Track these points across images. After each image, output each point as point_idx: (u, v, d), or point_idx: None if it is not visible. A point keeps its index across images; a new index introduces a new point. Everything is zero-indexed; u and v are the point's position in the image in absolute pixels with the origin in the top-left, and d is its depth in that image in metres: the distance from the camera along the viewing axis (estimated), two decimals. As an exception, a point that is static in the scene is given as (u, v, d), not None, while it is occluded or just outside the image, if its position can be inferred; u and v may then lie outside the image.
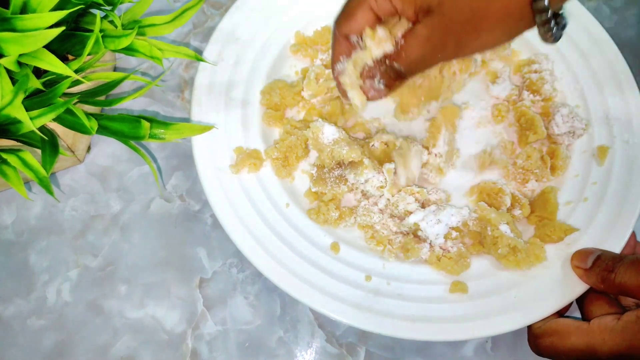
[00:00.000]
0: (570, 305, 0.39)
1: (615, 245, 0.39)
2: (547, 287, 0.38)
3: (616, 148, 0.43)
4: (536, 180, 0.43)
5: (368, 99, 0.38)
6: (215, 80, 0.45)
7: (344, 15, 0.36)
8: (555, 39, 0.32)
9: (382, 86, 0.36)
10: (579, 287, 0.37)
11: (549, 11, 0.30)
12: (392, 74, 0.35)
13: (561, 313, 0.38)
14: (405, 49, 0.34)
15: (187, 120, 0.45)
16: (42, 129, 0.35)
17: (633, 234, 0.40)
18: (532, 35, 0.34)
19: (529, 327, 0.37)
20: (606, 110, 0.45)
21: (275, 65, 0.47)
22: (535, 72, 0.46)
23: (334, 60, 0.38)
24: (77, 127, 0.35)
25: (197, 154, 0.41)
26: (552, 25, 0.31)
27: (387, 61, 0.35)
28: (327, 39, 0.48)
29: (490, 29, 0.32)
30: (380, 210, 0.41)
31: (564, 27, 0.32)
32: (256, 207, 0.40)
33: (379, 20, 0.35)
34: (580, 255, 0.38)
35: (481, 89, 0.48)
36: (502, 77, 0.47)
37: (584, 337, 0.33)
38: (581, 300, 0.38)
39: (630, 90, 0.45)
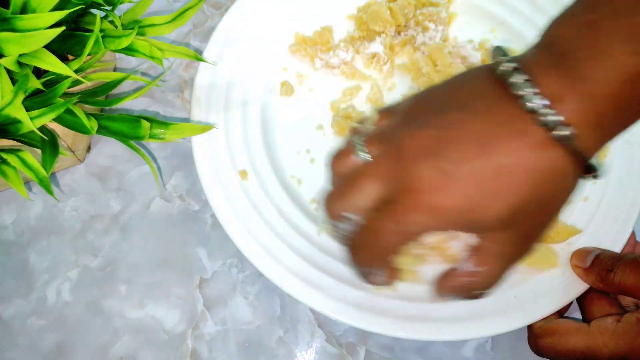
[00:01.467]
0: (570, 305, 0.39)
1: (616, 244, 0.39)
2: (547, 287, 0.38)
3: (615, 147, 0.43)
4: None
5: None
6: (215, 80, 0.45)
7: (384, 247, 0.28)
8: (602, 174, 0.27)
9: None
10: (579, 287, 0.37)
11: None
12: (472, 292, 0.29)
13: (561, 313, 0.38)
14: (486, 273, 0.28)
15: (187, 120, 0.45)
16: (42, 129, 0.35)
17: (633, 234, 0.40)
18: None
19: (529, 327, 0.37)
20: None
21: (275, 66, 0.47)
22: None
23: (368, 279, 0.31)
24: (77, 127, 0.35)
25: (197, 155, 0.41)
26: (598, 169, 0.27)
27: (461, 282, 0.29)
28: (326, 39, 0.48)
29: (553, 212, 0.28)
30: None
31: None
32: (256, 208, 0.40)
33: None
34: (580, 255, 0.38)
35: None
36: None
37: (584, 339, 0.33)
38: (582, 301, 0.38)
39: None
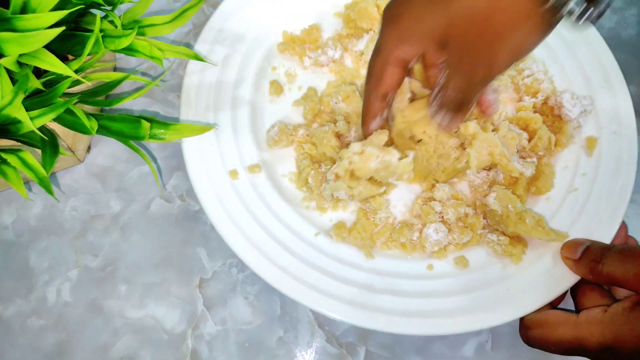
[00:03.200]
0: (563, 296, 0.39)
1: (606, 234, 0.39)
2: (539, 279, 0.38)
3: (604, 139, 0.43)
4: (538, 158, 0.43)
5: (445, 130, 0.39)
6: (204, 81, 0.45)
7: (375, 79, 0.37)
8: (588, 19, 0.30)
9: (448, 118, 0.38)
10: (570, 279, 0.38)
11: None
12: (453, 106, 0.37)
13: (554, 304, 0.38)
14: (449, 86, 0.35)
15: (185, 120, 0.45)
16: (42, 129, 0.35)
17: (624, 225, 0.40)
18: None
19: (521, 318, 0.38)
20: (594, 102, 0.45)
21: (264, 65, 0.47)
22: (528, 76, 0.46)
23: (369, 119, 0.39)
24: (77, 127, 0.35)
25: (188, 156, 0.41)
26: (573, 6, 0.30)
27: (440, 98, 0.37)
28: (314, 38, 0.48)
29: (501, 40, 0.32)
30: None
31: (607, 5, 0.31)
32: (247, 207, 0.40)
33: (408, 71, 0.37)
34: (570, 246, 0.38)
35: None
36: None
37: (572, 329, 0.34)
38: (575, 292, 0.38)
39: (618, 82, 0.45)
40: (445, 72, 0.35)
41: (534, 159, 0.43)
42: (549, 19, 0.31)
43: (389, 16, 0.36)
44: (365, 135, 0.40)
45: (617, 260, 0.34)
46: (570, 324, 0.34)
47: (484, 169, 0.42)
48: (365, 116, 0.39)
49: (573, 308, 0.38)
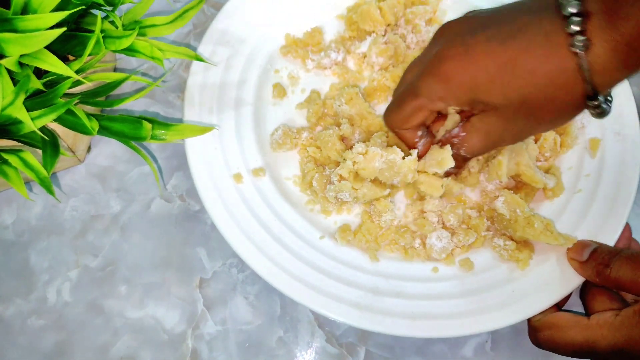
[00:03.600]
0: (568, 297, 0.39)
1: (611, 236, 0.39)
2: (544, 280, 0.38)
3: (607, 140, 0.43)
4: (545, 160, 0.43)
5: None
6: (207, 82, 0.44)
7: (404, 118, 0.36)
8: (607, 114, 0.32)
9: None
10: (575, 280, 0.38)
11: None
12: (459, 158, 0.37)
13: (560, 306, 0.39)
14: (468, 141, 0.35)
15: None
16: (43, 129, 0.35)
17: (628, 227, 0.40)
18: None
19: (529, 320, 0.38)
20: None
21: (267, 67, 0.47)
22: None
23: (413, 146, 0.38)
24: (78, 127, 0.35)
25: (191, 160, 0.41)
26: (603, 105, 0.31)
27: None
28: (317, 40, 0.48)
29: (547, 124, 0.34)
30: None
31: (611, 101, 0.33)
32: (252, 211, 0.40)
33: (435, 113, 0.36)
34: (577, 248, 0.38)
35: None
36: None
37: (582, 332, 0.34)
38: (584, 295, 0.38)
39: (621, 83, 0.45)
40: (465, 126, 0.35)
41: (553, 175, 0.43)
42: (584, 110, 0.32)
43: (445, 63, 0.33)
44: (420, 157, 0.39)
45: (625, 265, 0.34)
46: (581, 326, 0.34)
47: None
48: (408, 146, 0.39)
49: (576, 309, 0.38)
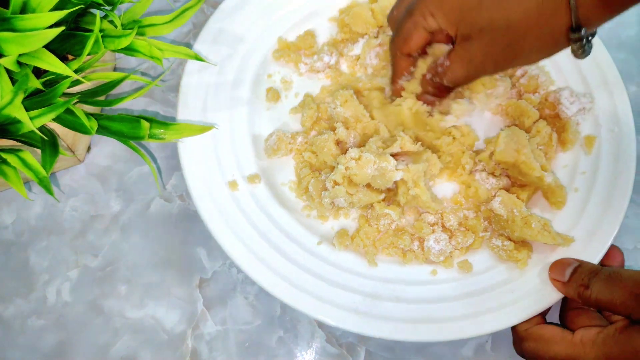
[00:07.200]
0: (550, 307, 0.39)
1: (608, 233, 0.39)
2: (544, 280, 0.38)
3: (603, 137, 0.43)
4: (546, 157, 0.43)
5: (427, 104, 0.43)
6: (202, 84, 0.44)
7: (403, 38, 0.39)
8: (587, 54, 0.34)
9: (431, 97, 0.41)
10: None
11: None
12: (441, 87, 0.40)
13: (543, 314, 0.38)
14: (451, 69, 0.38)
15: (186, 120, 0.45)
16: (42, 129, 0.35)
17: (621, 253, 0.40)
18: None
19: (515, 328, 0.38)
20: (594, 99, 0.45)
21: (259, 72, 0.47)
22: (522, 76, 0.46)
23: (398, 75, 0.42)
24: (77, 127, 0.35)
25: (185, 166, 0.41)
26: (584, 44, 0.33)
27: (433, 77, 0.40)
28: (309, 44, 0.47)
29: (527, 55, 0.35)
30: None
31: (592, 38, 0.34)
32: (248, 217, 0.40)
33: (430, 35, 0.39)
34: (557, 268, 0.38)
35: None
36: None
37: (567, 348, 0.34)
38: (563, 313, 0.38)
39: (615, 81, 0.45)
40: (450, 54, 0.37)
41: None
42: (567, 45, 0.33)
43: None
44: (394, 92, 0.42)
45: (603, 285, 0.34)
46: (565, 342, 0.34)
47: (494, 176, 0.42)
48: (394, 75, 0.42)
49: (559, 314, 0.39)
